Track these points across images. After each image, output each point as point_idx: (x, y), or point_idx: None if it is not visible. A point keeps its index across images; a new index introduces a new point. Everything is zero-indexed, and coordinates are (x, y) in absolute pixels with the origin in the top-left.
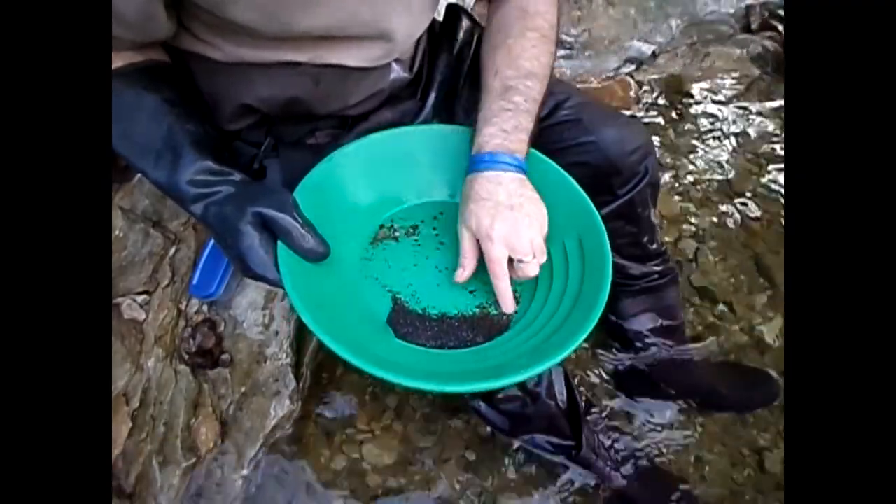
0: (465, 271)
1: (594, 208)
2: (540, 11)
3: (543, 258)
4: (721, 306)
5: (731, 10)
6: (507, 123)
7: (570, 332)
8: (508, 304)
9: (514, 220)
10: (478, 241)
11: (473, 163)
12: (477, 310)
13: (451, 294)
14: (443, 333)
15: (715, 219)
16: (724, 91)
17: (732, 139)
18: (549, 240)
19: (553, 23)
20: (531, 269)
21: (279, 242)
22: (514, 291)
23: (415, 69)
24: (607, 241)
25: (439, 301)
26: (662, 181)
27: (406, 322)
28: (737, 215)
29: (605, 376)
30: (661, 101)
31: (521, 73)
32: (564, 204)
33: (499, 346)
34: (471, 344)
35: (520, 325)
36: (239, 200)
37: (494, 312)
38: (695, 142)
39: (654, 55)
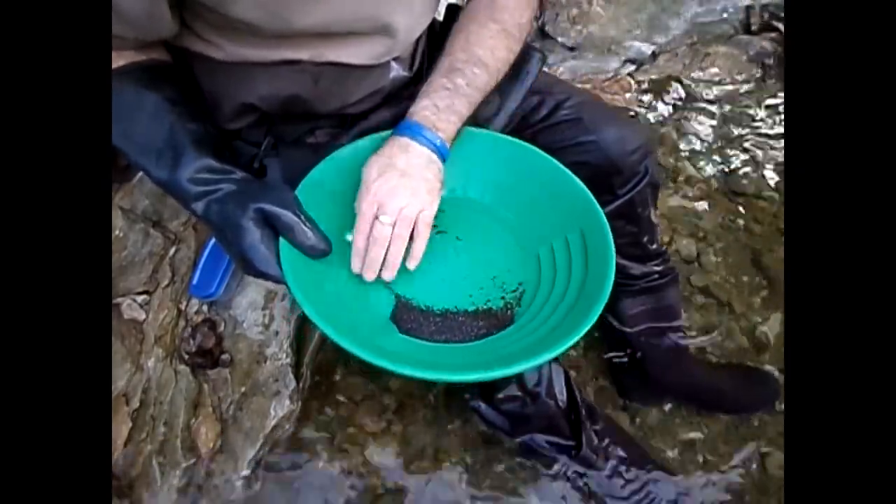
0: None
1: (595, 202)
2: (508, 7)
3: (404, 232)
4: (721, 306)
5: (732, 11)
6: (441, 101)
7: (575, 321)
8: (355, 264)
9: (396, 184)
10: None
11: (397, 127)
12: (480, 305)
13: (454, 290)
14: (446, 329)
15: (715, 218)
16: (723, 91)
17: (732, 139)
18: (551, 234)
19: (520, 22)
20: (382, 231)
21: (281, 239)
22: (514, 290)
23: (414, 68)
24: (609, 234)
25: (442, 297)
26: (662, 181)
27: (409, 318)
28: (737, 215)
29: (605, 377)
30: (661, 101)
31: (472, 59)
32: (566, 199)
33: (502, 339)
34: (475, 338)
35: (524, 319)
36: (241, 197)
37: (498, 307)
38: (695, 142)
39: (654, 55)
